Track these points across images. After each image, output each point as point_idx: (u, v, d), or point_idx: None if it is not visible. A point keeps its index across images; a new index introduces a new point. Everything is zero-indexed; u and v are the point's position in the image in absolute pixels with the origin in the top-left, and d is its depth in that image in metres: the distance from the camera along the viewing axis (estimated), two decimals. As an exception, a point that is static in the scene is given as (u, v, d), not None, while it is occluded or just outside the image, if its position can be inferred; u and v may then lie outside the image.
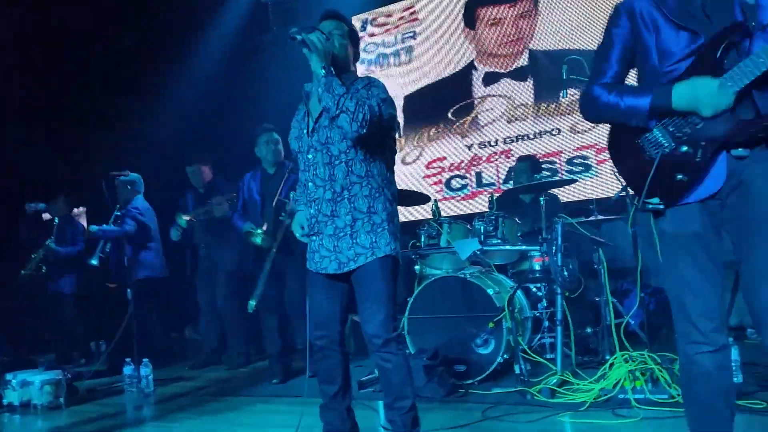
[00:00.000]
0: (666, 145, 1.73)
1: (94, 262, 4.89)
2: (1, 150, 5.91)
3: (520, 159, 4.85)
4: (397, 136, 2.55)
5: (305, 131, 2.41)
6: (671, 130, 1.74)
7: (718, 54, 1.69)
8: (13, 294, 5.37)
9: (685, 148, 1.71)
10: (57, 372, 4.04)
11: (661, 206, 1.75)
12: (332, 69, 2.26)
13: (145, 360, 4.20)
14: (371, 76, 2.42)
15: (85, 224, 6.01)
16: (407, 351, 2.39)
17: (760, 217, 1.68)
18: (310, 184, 2.37)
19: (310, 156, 2.37)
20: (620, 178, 1.89)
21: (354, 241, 2.30)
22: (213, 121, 6.41)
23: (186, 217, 4.90)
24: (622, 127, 1.83)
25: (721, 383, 1.72)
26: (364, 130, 2.21)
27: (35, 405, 3.88)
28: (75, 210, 6.30)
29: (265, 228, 4.20)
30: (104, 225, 4.86)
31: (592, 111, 1.90)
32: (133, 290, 4.57)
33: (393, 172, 2.48)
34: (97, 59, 6.35)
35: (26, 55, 6.06)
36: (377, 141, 2.34)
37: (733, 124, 1.67)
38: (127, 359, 4.27)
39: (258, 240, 4.18)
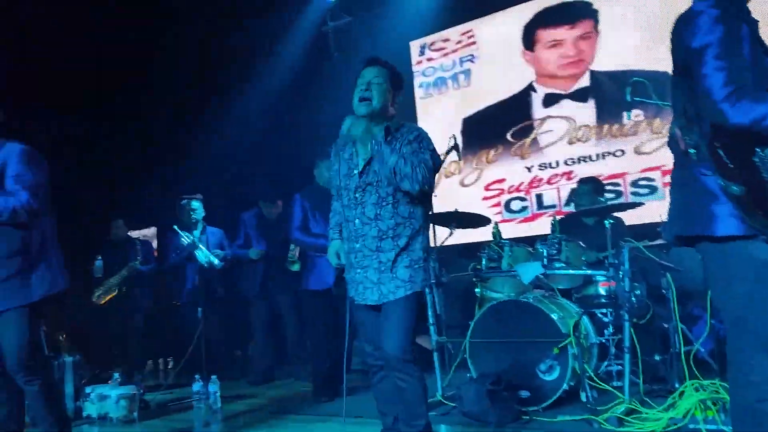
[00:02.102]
0: None
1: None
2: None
3: (582, 181, 4.78)
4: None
5: (356, 171, 2.57)
6: None
7: None
8: (93, 314, 5.61)
9: None
10: (131, 387, 4.22)
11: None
12: (380, 139, 2.45)
13: (213, 377, 4.33)
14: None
15: (155, 244, 6.28)
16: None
17: None
18: (357, 221, 2.55)
19: (358, 195, 2.55)
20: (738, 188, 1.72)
21: (394, 275, 2.49)
22: (276, 143, 6.60)
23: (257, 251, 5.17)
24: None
25: None
26: (426, 187, 2.45)
27: (111, 418, 4.07)
28: (146, 231, 6.58)
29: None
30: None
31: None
32: (203, 310, 4.73)
33: (429, 220, 2.69)
34: (164, 85, 6.64)
35: (94, 78, 6.35)
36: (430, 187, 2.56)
37: None
38: (196, 375, 4.41)
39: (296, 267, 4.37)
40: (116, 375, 4.33)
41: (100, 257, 5.46)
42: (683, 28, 1.86)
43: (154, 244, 6.30)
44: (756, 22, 1.84)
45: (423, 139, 2.53)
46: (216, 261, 5.12)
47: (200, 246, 5.09)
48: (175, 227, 5.10)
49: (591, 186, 4.63)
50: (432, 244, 3.89)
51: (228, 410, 4.30)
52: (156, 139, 6.93)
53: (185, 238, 5.05)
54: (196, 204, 5.25)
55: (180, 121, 6.83)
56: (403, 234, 2.51)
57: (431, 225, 2.79)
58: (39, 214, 2.78)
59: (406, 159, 2.41)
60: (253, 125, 6.70)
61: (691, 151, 1.84)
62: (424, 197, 2.56)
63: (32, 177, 2.74)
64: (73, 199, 5.55)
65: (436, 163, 2.52)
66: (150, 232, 6.65)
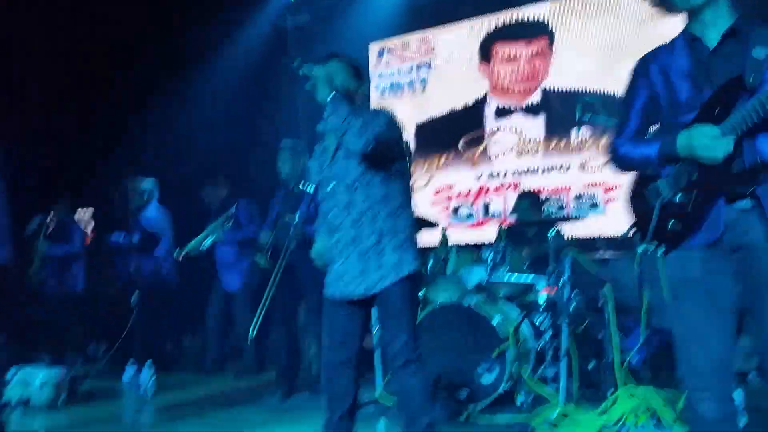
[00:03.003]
0: (665, 194, 1.81)
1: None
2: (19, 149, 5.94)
3: (521, 196, 4.86)
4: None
5: (325, 165, 2.51)
6: (673, 179, 1.81)
7: (720, 106, 1.75)
8: (17, 295, 5.36)
9: (679, 197, 1.78)
10: (59, 369, 4.04)
11: (651, 251, 1.84)
12: (337, 94, 2.36)
13: (148, 362, 4.20)
14: (382, 105, 2.55)
15: (90, 226, 6.03)
16: (425, 372, 2.42)
17: (760, 282, 1.73)
18: (330, 213, 2.46)
19: (328, 188, 2.47)
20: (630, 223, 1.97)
21: (380, 261, 2.35)
22: (230, 137, 6.49)
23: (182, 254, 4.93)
24: (638, 176, 1.93)
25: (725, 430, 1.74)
26: (372, 146, 2.30)
27: (35, 403, 3.87)
28: (79, 211, 6.32)
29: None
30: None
31: (614, 161, 2.01)
32: (138, 296, 4.58)
33: (410, 194, 2.55)
34: (120, 69, 6.45)
35: (51, 60, 6.14)
36: (390, 164, 2.43)
37: (722, 175, 1.73)
38: (129, 361, 4.27)
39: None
40: (42, 358, 4.14)
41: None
42: None
43: (88, 227, 6.03)
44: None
45: (381, 113, 2.43)
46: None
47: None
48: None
49: (530, 201, 4.74)
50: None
51: (160, 400, 4.17)
52: (103, 123, 6.70)
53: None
54: (149, 182, 5.14)
55: (130, 107, 6.61)
56: (380, 215, 2.38)
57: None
58: None
59: (358, 117, 2.32)
60: (206, 116, 6.56)
61: None
62: (393, 175, 2.42)
63: None
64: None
65: (389, 131, 2.38)
66: (86, 214, 6.37)
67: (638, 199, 1.91)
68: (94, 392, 4.40)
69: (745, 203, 1.73)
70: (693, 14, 1.85)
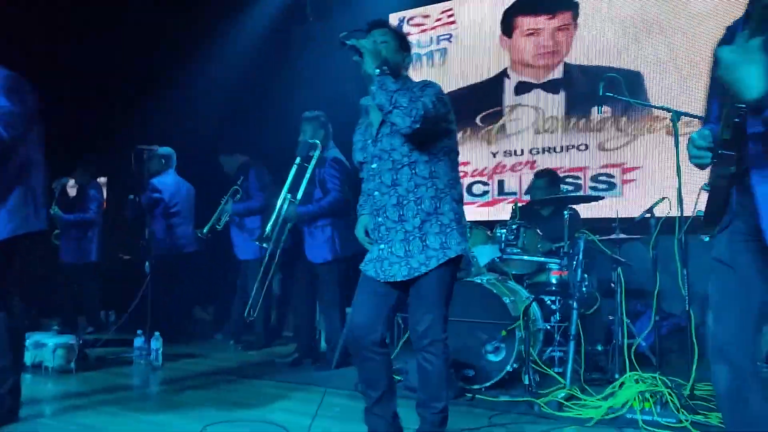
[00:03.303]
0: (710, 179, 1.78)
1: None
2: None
3: (538, 175, 4.79)
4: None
5: (369, 141, 2.44)
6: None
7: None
8: (31, 260, 5.44)
9: (718, 182, 1.74)
10: (70, 336, 4.11)
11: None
12: (385, 68, 2.26)
13: (156, 333, 4.25)
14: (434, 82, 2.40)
15: (104, 194, 6.08)
16: (449, 356, 2.40)
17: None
18: (376, 193, 2.39)
19: (374, 165, 2.40)
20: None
21: (424, 243, 2.31)
22: (244, 106, 6.46)
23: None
24: None
25: (735, 407, 1.72)
26: (418, 125, 2.20)
27: (46, 367, 3.95)
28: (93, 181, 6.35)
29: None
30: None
31: None
32: (150, 264, 4.62)
33: (458, 172, 2.48)
34: (135, 36, 6.41)
35: (63, 27, 6.12)
36: (437, 142, 2.34)
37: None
38: (139, 331, 4.32)
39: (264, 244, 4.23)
40: (54, 324, 4.20)
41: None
42: None
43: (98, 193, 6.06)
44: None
45: (428, 87, 2.32)
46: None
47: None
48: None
49: (547, 179, 4.67)
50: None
51: (171, 368, 4.23)
52: (120, 93, 6.70)
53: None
54: (167, 150, 5.16)
55: (147, 78, 6.60)
56: (425, 196, 2.30)
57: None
58: (14, 145, 2.63)
59: (406, 93, 2.22)
60: (221, 86, 6.52)
61: None
62: (438, 153, 2.34)
63: (9, 105, 2.59)
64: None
65: (438, 107, 2.26)
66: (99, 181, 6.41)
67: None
68: (105, 358, 4.47)
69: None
70: None
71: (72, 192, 5.77)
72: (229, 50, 6.64)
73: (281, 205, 4.01)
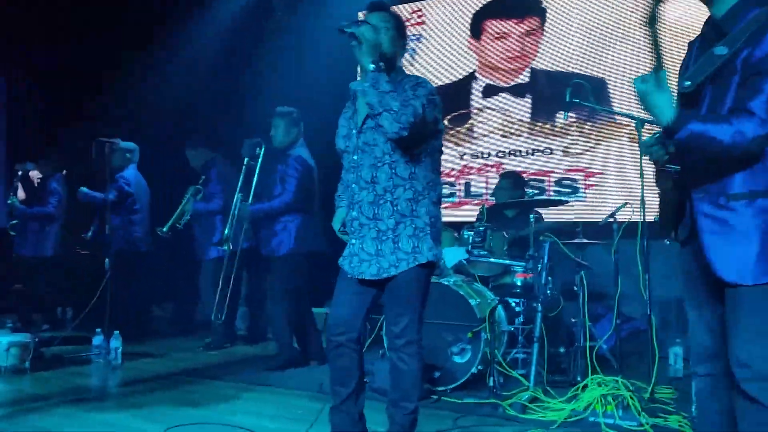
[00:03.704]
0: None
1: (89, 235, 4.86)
2: None
3: (503, 176, 4.84)
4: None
5: (354, 131, 2.37)
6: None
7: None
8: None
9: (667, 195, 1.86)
10: (25, 334, 3.97)
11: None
12: (381, 64, 2.20)
13: (116, 332, 4.14)
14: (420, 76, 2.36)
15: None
16: (423, 357, 2.38)
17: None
18: (354, 185, 2.34)
19: (355, 157, 2.34)
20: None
21: (396, 245, 2.28)
22: (211, 99, 6.36)
23: (165, 230, 4.86)
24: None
25: (710, 408, 1.81)
26: (406, 133, 2.16)
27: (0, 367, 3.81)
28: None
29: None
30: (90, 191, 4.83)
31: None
32: (110, 261, 4.50)
33: (439, 173, 2.44)
34: (102, 26, 6.25)
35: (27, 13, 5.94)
36: (422, 142, 2.29)
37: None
38: (98, 329, 4.21)
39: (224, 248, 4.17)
40: (8, 322, 4.06)
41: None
42: None
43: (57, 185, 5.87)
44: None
45: (420, 86, 2.25)
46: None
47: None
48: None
49: (511, 181, 4.71)
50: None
51: (130, 368, 4.13)
52: (80, 85, 6.51)
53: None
54: (130, 144, 5.04)
55: (112, 68, 6.43)
56: (402, 197, 2.27)
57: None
58: None
59: (398, 96, 2.17)
60: (187, 79, 6.40)
61: None
62: (421, 156, 2.29)
63: None
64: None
65: (428, 114, 2.22)
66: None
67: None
68: (62, 357, 4.33)
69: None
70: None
71: (35, 181, 5.58)
72: (196, 43, 6.51)
73: (234, 206, 4.00)
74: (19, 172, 5.34)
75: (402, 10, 6.33)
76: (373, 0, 2.40)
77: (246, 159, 4.06)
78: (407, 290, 2.29)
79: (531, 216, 3.87)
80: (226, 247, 4.04)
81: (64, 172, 5.32)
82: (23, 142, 5.76)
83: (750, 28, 1.63)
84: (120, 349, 4.12)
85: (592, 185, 5.22)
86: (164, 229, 4.84)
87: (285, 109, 4.22)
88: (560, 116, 5.24)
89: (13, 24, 5.89)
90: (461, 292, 3.66)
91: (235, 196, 4.00)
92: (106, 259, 4.47)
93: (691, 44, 1.90)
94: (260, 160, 4.06)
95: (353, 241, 2.36)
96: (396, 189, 2.29)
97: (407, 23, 6.12)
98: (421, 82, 2.30)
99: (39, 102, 6.21)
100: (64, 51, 6.15)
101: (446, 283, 3.72)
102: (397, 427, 2.34)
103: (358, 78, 2.38)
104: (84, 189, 4.90)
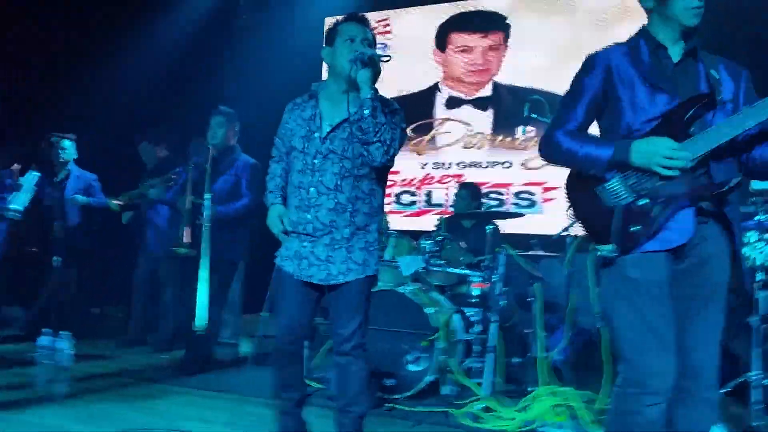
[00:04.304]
0: (625, 196, 1.80)
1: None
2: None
3: (462, 186, 4.92)
4: None
5: (316, 135, 2.35)
6: (631, 182, 1.80)
7: (686, 118, 1.80)
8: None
9: (643, 202, 1.78)
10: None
11: (614, 255, 1.81)
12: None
13: (66, 333, 4.02)
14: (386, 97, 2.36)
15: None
16: (367, 360, 2.42)
17: (708, 291, 1.83)
18: (312, 189, 2.32)
19: (316, 161, 2.32)
20: (572, 218, 1.99)
21: (349, 255, 2.32)
22: (170, 97, 6.25)
23: (117, 202, 4.73)
24: (580, 173, 1.91)
25: None
26: (391, 163, 2.30)
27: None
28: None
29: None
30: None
31: (550, 153, 1.97)
32: (61, 258, 4.37)
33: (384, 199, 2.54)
34: (60, 17, 6.09)
35: None
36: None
37: (691, 186, 1.78)
38: (45, 329, 4.08)
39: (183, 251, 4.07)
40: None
41: None
42: None
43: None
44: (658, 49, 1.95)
45: (397, 114, 2.33)
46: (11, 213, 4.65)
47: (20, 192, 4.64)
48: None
49: (469, 191, 4.78)
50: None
51: (78, 370, 4.01)
52: (40, 76, 6.33)
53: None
54: (67, 143, 4.84)
55: (69, 60, 6.27)
56: (360, 210, 2.33)
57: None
58: None
59: (389, 128, 2.22)
60: (149, 73, 6.29)
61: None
62: (383, 176, 2.40)
63: None
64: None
65: (402, 143, 2.36)
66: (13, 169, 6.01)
67: (585, 198, 1.88)
68: (5, 358, 4.18)
69: (701, 217, 1.80)
70: (656, 19, 1.89)
71: None
72: (160, 38, 6.42)
73: (205, 207, 3.90)
74: None
75: (369, 17, 6.33)
76: (355, 13, 2.45)
77: (193, 158, 3.99)
78: (356, 298, 2.33)
79: (487, 227, 3.92)
80: (185, 250, 3.95)
81: (18, 166, 5.13)
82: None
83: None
84: (68, 351, 4.00)
85: (549, 199, 5.33)
86: (118, 199, 4.71)
87: (228, 110, 4.21)
88: (520, 131, 5.33)
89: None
90: (417, 301, 3.68)
91: (205, 197, 3.89)
92: (54, 258, 4.33)
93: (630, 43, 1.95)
94: (210, 162, 3.99)
95: (305, 243, 2.35)
96: (357, 201, 2.33)
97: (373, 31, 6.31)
98: (397, 109, 2.36)
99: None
100: (22, 38, 5.96)
101: (402, 291, 3.74)
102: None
103: (323, 78, 2.38)
104: (79, 197, 4.76)
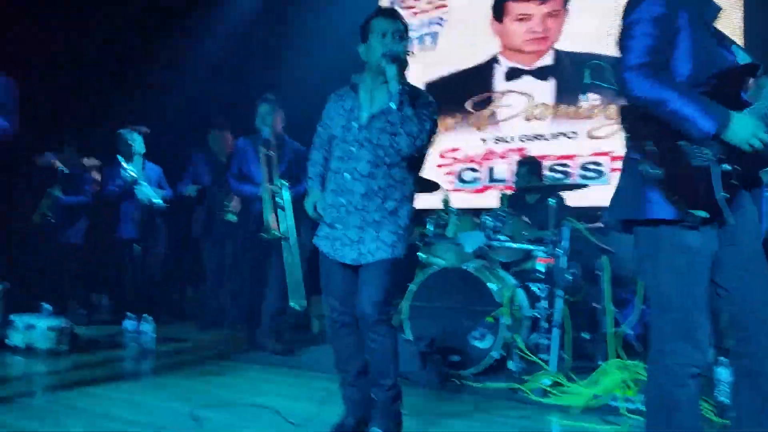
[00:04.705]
0: (712, 158, 1.69)
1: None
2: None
3: (519, 163, 4.84)
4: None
5: (355, 124, 2.47)
6: (724, 149, 1.70)
7: (741, 84, 1.73)
8: (24, 242, 5.39)
9: (727, 167, 1.69)
10: (61, 319, 4.12)
11: (706, 216, 1.69)
12: (406, 87, 2.36)
13: (147, 316, 4.26)
14: (428, 94, 2.51)
15: (98, 177, 6.03)
16: (396, 335, 2.51)
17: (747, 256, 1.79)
18: (347, 174, 2.45)
19: (353, 149, 2.45)
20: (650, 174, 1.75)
21: (378, 235, 2.42)
22: (232, 86, 6.42)
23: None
24: (658, 122, 1.74)
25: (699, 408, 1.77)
26: (418, 153, 2.41)
27: (37, 349, 3.96)
28: (86, 161, 6.31)
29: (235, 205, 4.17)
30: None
31: (638, 98, 1.74)
32: (143, 246, 4.62)
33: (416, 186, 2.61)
34: (116, 10, 6.34)
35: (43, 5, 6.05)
36: (422, 153, 2.49)
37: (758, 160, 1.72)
38: (129, 314, 4.34)
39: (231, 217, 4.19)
40: (46, 306, 4.19)
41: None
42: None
43: (96, 176, 6.01)
44: (715, 9, 1.86)
45: (431, 106, 2.45)
46: (157, 200, 4.97)
47: (142, 182, 4.92)
48: (119, 158, 4.92)
49: (528, 167, 4.70)
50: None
51: (161, 351, 4.26)
52: (105, 68, 6.63)
53: (128, 172, 4.87)
54: (136, 136, 5.08)
55: (132, 52, 6.54)
56: (391, 197, 2.44)
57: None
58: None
59: (416, 119, 2.35)
60: (208, 62, 6.48)
61: (626, 135, 1.88)
62: (416, 164, 2.51)
63: (8, 104, 2.80)
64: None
65: (433, 134, 2.46)
66: (94, 164, 6.36)
67: (671, 153, 1.72)
68: (97, 341, 4.48)
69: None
70: None
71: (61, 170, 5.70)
72: (215, 30, 6.59)
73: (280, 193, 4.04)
74: (41, 164, 5.44)
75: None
76: (385, 6, 2.48)
77: (262, 149, 4.10)
78: (382, 277, 2.40)
79: (550, 200, 3.86)
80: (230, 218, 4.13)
81: (91, 161, 5.42)
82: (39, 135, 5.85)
83: None
84: (151, 334, 4.24)
85: (618, 169, 5.15)
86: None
87: (272, 97, 4.30)
88: (582, 98, 5.17)
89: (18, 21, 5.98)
90: (481, 277, 3.68)
91: (282, 184, 4.02)
92: (134, 245, 4.59)
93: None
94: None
95: (338, 225, 2.47)
96: (388, 188, 2.44)
97: (429, 7, 6.24)
98: (429, 102, 2.46)
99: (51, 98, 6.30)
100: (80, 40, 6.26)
101: (465, 267, 3.75)
102: (380, 404, 2.43)
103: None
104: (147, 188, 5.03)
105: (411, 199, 2.54)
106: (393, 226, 2.44)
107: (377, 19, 2.45)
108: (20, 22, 5.90)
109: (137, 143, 5.06)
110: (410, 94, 2.37)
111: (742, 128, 1.68)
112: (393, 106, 2.33)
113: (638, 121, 1.80)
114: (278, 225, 4.02)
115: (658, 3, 1.77)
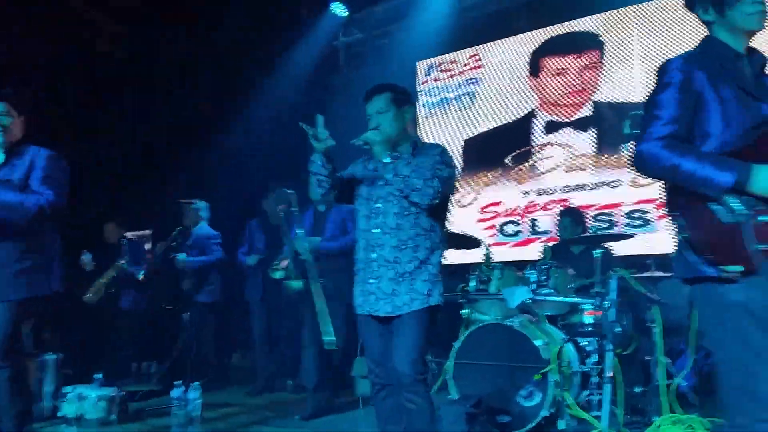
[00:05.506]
0: (745, 212, 1.67)
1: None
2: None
3: (562, 214, 4.75)
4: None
5: (380, 183, 2.55)
6: (746, 201, 1.68)
7: None
8: (80, 315, 5.58)
9: (764, 218, 1.66)
10: (112, 389, 4.20)
11: (741, 269, 1.66)
12: (395, 154, 2.49)
13: (195, 384, 4.30)
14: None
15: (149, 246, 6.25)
16: (430, 394, 2.49)
17: None
18: (377, 230, 2.51)
19: (379, 205, 2.53)
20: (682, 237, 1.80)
21: (412, 287, 2.44)
22: (279, 158, 6.64)
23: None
24: (685, 189, 1.75)
25: None
26: (436, 201, 2.44)
27: (89, 419, 4.04)
28: (138, 233, 6.55)
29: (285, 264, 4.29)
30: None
31: (654, 170, 1.80)
32: (191, 313, 4.72)
33: (446, 231, 2.66)
34: (169, 87, 6.70)
35: (91, 78, 6.42)
36: (443, 199, 2.54)
37: None
38: (177, 382, 4.38)
39: (278, 274, 4.30)
40: (98, 376, 4.29)
41: (86, 251, 5.43)
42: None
43: (148, 246, 6.25)
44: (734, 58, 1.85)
45: (445, 153, 2.54)
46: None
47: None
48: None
49: (571, 219, 4.63)
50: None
51: (207, 418, 4.27)
52: (158, 142, 6.97)
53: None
54: (201, 204, 5.32)
55: (185, 127, 6.87)
56: (422, 246, 2.48)
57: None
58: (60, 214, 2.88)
59: (419, 173, 2.41)
60: (259, 135, 6.74)
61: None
62: (442, 211, 2.57)
63: (58, 178, 2.91)
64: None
65: (450, 176, 2.52)
66: (144, 234, 6.62)
67: (698, 215, 1.73)
68: (145, 410, 4.53)
69: None
70: (719, 29, 1.87)
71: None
72: (264, 100, 6.87)
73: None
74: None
75: (460, 55, 6.45)
76: (368, 88, 2.63)
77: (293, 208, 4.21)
78: (415, 329, 2.40)
79: (596, 252, 3.77)
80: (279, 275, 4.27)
81: (145, 232, 5.63)
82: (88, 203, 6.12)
83: None
84: (199, 401, 4.26)
85: (664, 215, 5.00)
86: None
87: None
88: (623, 148, 5.11)
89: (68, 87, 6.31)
90: (526, 333, 3.58)
91: (299, 232, 4.15)
92: (184, 314, 4.69)
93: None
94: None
95: (371, 280, 2.50)
96: (418, 237, 2.48)
97: (465, 68, 6.36)
98: (443, 150, 2.56)
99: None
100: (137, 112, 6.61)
101: (509, 324, 3.66)
102: None
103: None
104: (182, 256, 5.18)
105: (442, 246, 2.57)
106: (426, 275, 2.46)
107: (365, 105, 2.60)
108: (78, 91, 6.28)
109: (204, 210, 5.32)
110: (415, 146, 2.51)
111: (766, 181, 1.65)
112: (389, 177, 2.43)
113: (669, 193, 1.85)
114: (288, 267, 4.14)
115: (677, 68, 1.85)
